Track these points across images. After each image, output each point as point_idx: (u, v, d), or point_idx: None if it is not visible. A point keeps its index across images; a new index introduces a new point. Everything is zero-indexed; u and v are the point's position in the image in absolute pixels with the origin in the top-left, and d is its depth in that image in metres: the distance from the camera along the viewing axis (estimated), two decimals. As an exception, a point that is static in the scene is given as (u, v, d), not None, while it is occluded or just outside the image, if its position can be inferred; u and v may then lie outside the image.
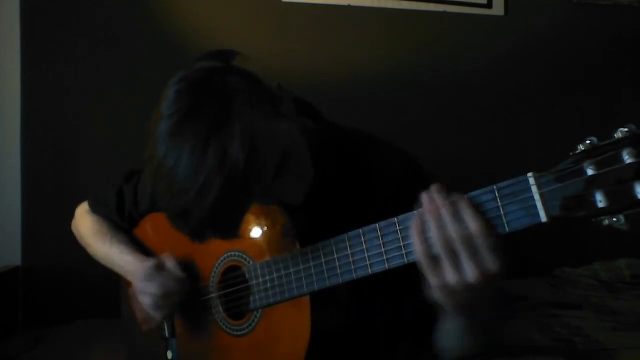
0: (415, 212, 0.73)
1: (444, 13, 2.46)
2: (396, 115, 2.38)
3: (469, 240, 0.67)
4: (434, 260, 0.70)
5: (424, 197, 0.71)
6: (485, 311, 0.77)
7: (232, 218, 0.82)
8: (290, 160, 0.84)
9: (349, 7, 2.37)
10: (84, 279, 1.95)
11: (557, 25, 2.55)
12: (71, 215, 1.35)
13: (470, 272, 0.67)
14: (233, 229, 0.84)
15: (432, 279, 0.70)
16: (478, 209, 0.68)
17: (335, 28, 2.38)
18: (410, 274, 0.76)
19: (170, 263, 1.11)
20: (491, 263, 0.67)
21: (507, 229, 0.66)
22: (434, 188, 0.71)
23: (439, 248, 0.69)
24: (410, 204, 0.76)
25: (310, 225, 0.93)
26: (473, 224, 0.67)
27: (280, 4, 2.32)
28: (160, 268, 1.10)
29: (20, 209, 2.15)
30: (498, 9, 2.49)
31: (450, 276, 0.68)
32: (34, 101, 2.16)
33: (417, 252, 0.71)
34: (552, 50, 2.55)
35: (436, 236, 0.69)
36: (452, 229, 0.68)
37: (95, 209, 1.31)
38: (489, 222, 0.67)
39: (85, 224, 1.30)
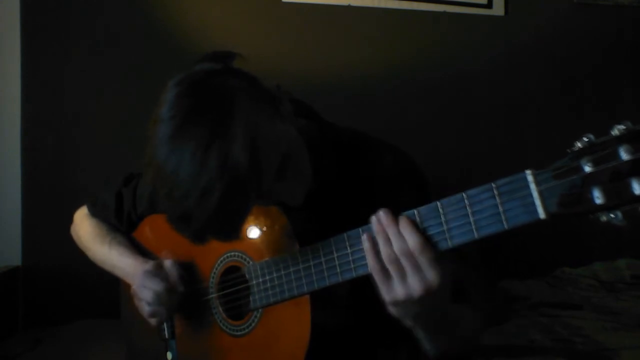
0: (364, 228, 0.79)
1: (444, 13, 2.45)
2: (396, 115, 2.38)
3: (411, 255, 0.73)
4: (386, 274, 0.75)
5: (373, 218, 0.76)
6: (441, 322, 0.81)
7: (233, 221, 0.81)
8: (290, 161, 0.84)
9: (349, 7, 2.37)
10: (83, 279, 1.94)
11: (557, 25, 2.55)
12: (71, 215, 1.35)
13: (415, 286, 0.72)
14: (234, 231, 0.84)
15: (384, 294, 0.75)
16: (418, 227, 0.74)
17: (335, 28, 2.38)
18: None
19: (169, 264, 1.11)
20: (431, 277, 0.72)
21: (506, 226, 0.67)
22: (382, 211, 0.76)
23: (387, 263, 0.74)
24: (406, 201, 0.77)
25: (309, 225, 0.93)
26: (412, 240, 0.72)
27: (280, 3, 2.32)
28: (159, 268, 1.10)
29: (20, 209, 2.14)
30: (498, 9, 2.49)
31: (398, 290, 0.73)
32: (34, 101, 2.16)
33: (371, 267, 0.76)
34: (552, 50, 2.54)
35: (384, 252, 0.74)
36: (396, 246, 0.73)
37: (93, 212, 1.31)
38: (427, 239, 0.73)
39: (84, 227, 1.30)
